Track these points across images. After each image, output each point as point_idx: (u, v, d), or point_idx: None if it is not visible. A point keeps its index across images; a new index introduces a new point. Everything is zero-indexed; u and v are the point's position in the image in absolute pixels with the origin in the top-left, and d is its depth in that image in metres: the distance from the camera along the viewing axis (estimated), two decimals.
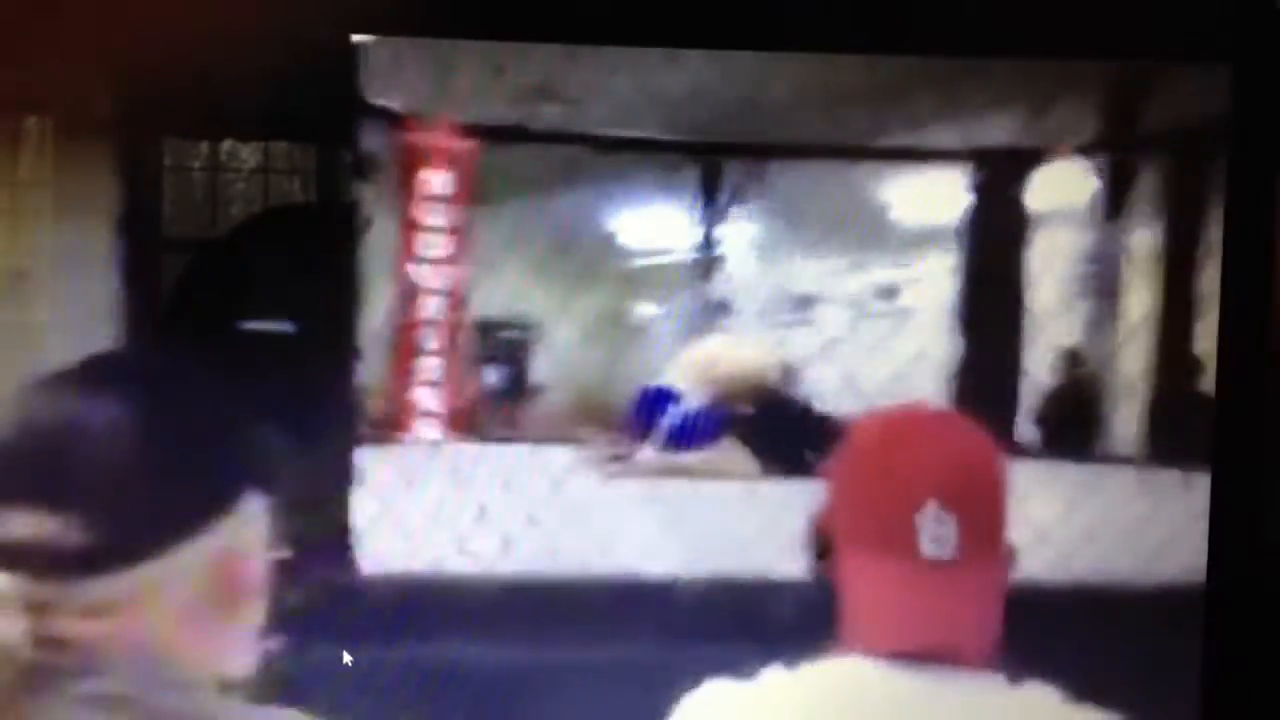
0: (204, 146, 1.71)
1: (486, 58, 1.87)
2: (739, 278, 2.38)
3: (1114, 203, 2.30)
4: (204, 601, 0.82)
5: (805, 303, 2.36)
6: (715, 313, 2.41)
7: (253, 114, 1.59)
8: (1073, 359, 2.42)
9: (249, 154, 1.71)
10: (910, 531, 0.93)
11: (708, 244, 2.46)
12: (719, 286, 2.40)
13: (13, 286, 1.56)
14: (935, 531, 0.92)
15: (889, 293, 2.35)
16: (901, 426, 1.00)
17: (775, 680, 0.98)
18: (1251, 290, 1.25)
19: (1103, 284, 2.31)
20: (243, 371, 1.66)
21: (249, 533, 0.88)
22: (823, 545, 0.99)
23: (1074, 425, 2.37)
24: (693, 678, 0.96)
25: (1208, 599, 1.52)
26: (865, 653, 0.93)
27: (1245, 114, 1.26)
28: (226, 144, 1.70)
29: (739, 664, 1.48)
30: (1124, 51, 1.31)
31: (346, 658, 1.54)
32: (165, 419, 0.83)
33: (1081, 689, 1.36)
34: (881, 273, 2.28)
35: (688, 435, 2.21)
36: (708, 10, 1.41)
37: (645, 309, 2.49)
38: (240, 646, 0.88)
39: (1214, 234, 2.12)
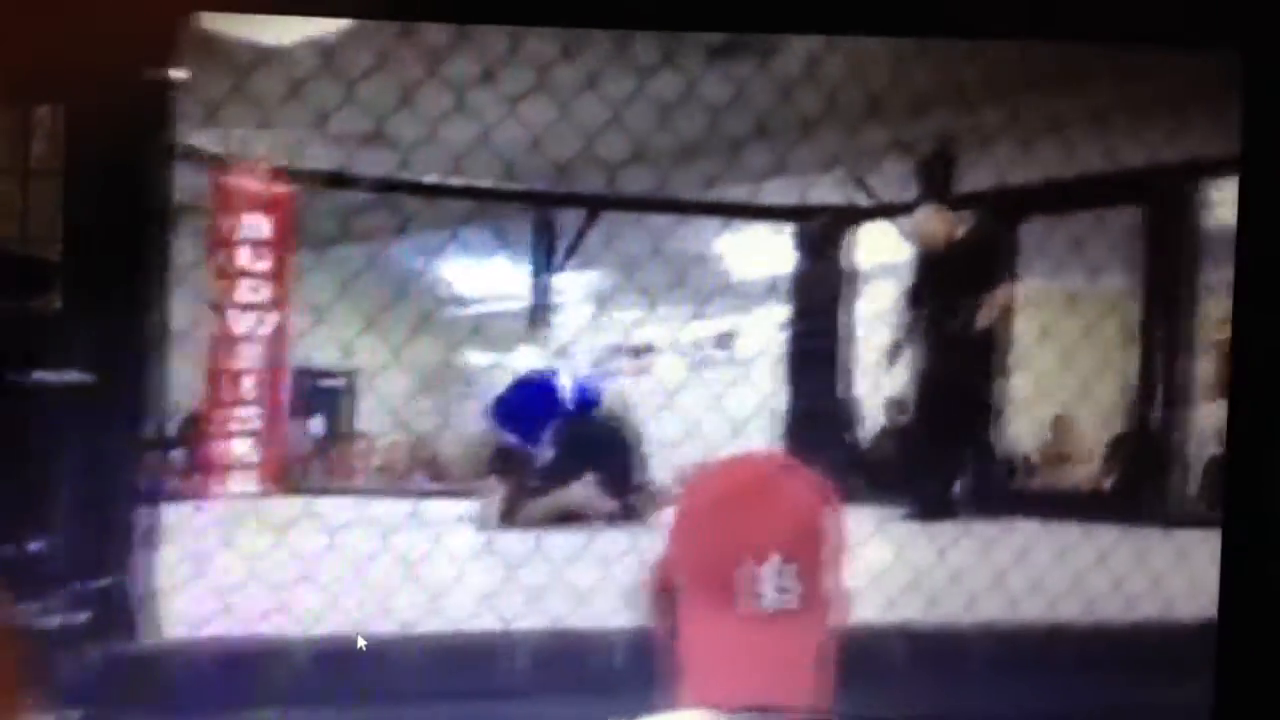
0: None
1: (312, 100, 1.82)
2: (574, 327, 2.36)
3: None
4: None
5: (641, 352, 2.36)
6: (551, 361, 2.38)
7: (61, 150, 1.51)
8: (897, 408, 2.48)
9: None
10: (752, 583, 0.91)
11: (543, 294, 2.43)
12: (555, 336, 2.37)
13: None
14: (777, 583, 0.89)
15: (723, 341, 2.36)
16: (740, 477, 0.97)
17: None
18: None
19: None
20: (36, 423, 1.55)
21: None
22: (661, 597, 0.95)
23: (900, 473, 2.42)
24: None
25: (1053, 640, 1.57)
26: (705, 705, 0.90)
27: (1256, 99, 1.28)
28: None
29: (574, 718, 1.44)
30: (1131, 36, 1.33)
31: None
32: None
33: None
34: (716, 323, 2.29)
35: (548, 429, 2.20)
36: None
37: (479, 358, 2.44)
38: None
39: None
